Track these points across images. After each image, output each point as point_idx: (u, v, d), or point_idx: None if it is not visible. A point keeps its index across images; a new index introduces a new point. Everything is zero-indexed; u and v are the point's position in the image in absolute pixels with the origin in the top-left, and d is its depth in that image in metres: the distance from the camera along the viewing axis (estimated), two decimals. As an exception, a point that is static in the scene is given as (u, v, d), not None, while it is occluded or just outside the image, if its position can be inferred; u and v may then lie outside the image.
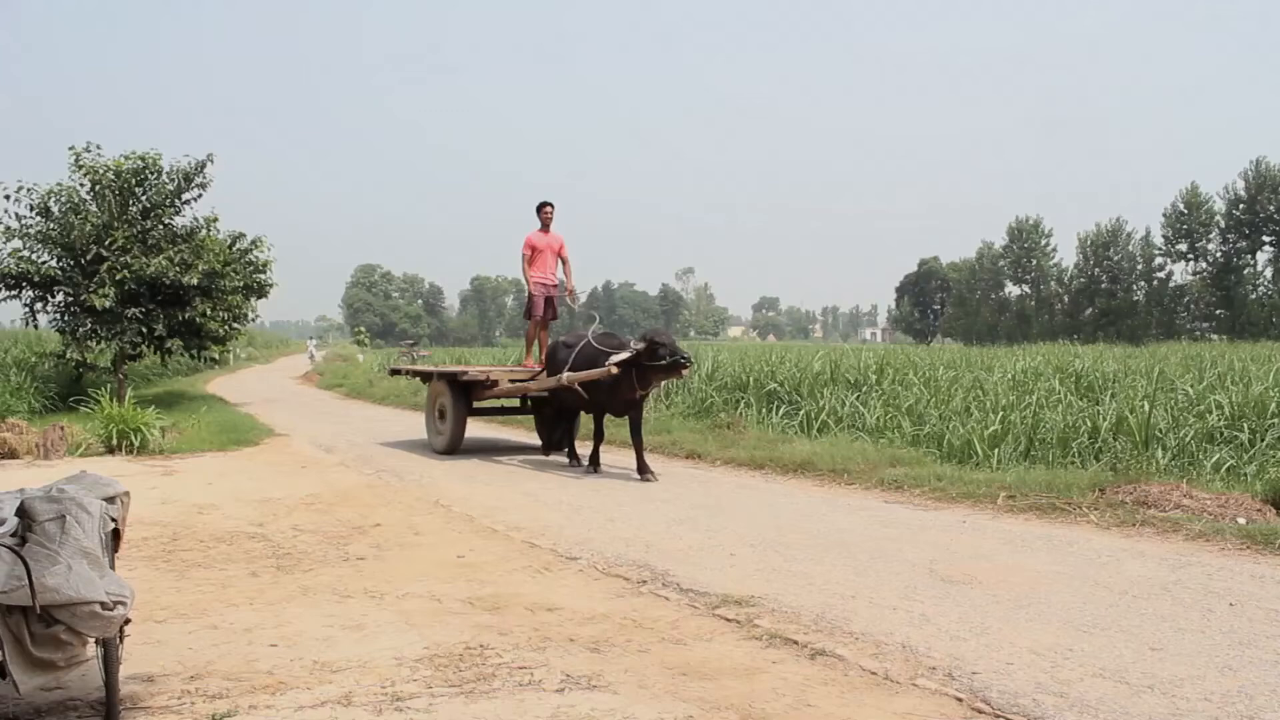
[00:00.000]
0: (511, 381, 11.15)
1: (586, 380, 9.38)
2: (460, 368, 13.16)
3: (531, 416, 12.69)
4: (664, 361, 8.94)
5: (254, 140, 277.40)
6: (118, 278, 16.36)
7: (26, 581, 2.82)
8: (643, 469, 9.26)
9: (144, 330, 17.15)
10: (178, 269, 16.66)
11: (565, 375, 9.60)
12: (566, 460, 10.64)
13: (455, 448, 11.42)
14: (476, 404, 11.61)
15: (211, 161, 17.92)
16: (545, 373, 10.64)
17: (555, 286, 12.04)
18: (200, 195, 18.03)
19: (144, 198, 17.55)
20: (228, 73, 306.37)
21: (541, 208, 11.79)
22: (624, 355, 9.05)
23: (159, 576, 5.50)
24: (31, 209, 16.85)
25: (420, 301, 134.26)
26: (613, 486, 8.96)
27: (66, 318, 17.26)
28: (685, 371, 9.43)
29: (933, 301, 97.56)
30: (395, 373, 16.27)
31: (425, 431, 12.33)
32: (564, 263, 12.08)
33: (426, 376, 13.13)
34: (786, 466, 9.69)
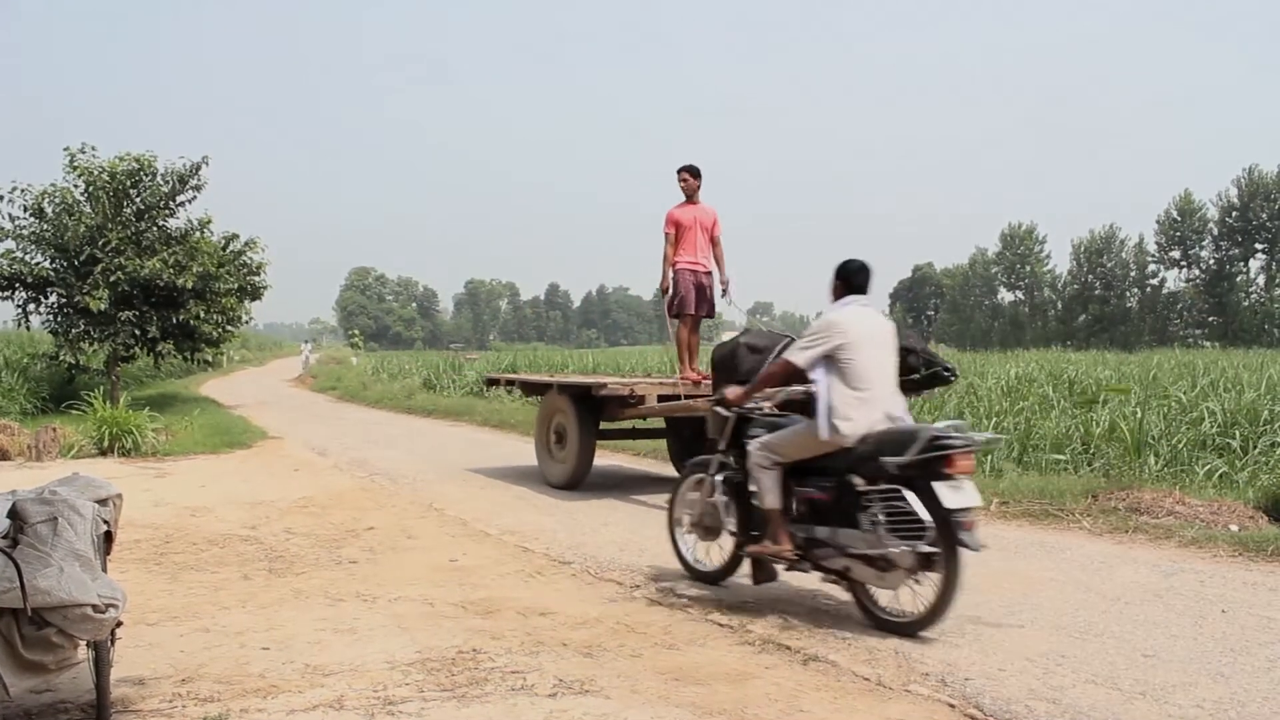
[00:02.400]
0: (662, 399, 8.47)
1: (794, 397, 5.60)
2: (593, 378, 10.06)
3: (629, 441, 10.55)
4: (917, 375, 5.73)
5: (248, 142, 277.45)
6: (111, 279, 16.33)
7: (18, 583, 2.81)
8: None
9: (137, 332, 17.12)
10: (172, 271, 16.63)
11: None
12: None
13: (580, 480, 8.95)
14: (604, 425, 9.26)
15: (206, 163, 17.92)
16: (713, 385, 7.53)
17: (708, 274, 9.19)
18: (195, 197, 18.03)
19: (138, 199, 17.52)
20: (224, 73, 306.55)
21: (679, 174, 9.13)
22: None
23: (151, 579, 5.48)
24: (25, 210, 16.82)
25: (414, 304, 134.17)
26: (608, 492, 8.95)
27: (59, 319, 17.23)
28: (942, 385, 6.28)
29: (926, 307, 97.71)
30: (492, 383, 12.18)
31: (536, 457, 9.68)
32: (715, 244, 9.24)
33: (536, 389, 10.58)
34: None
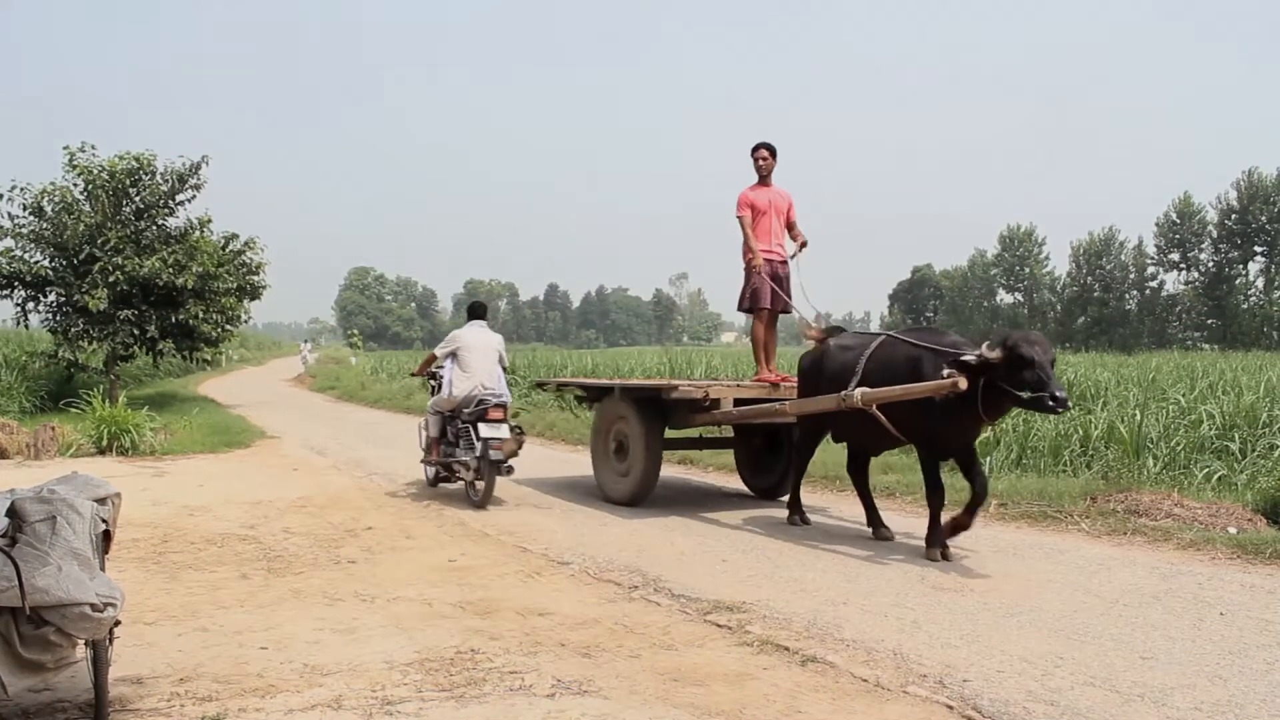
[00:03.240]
0: (739, 403, 7.54)
1: (901, 400, 5.97)
2: (660, 381, 9.29)
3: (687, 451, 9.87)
4: (1026, 394, 5.45)
5: (248, 141, 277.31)
6: (110, 279, 16.33)
7: (16, 582, 2.81)
8: (941, 541, 6.03)
9: (136, 331, 17.13)
10: (171, 270, 16.64)
11: (860, 392, 6.16)
12: (788, 516, 7.35)
13: (645, 495, 8.01)
14: (670, 433, 8.36)
15: (206, 163, 17.95)
16: (800, 390, 7.31)
17: (784, 263, 8.29)
18: (194, 197, 18.06)
19: (137, 198, 17.55)
20: (223, 73, 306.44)
21: (755, 152, 8.25)
22: (969, 357, 5.68)
23: (149, 578, 5.48)
24: (24, 208, 16.85)
25: (413, 305, 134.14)
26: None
27: (58, 318, 17.24)
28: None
29: (925, 309, 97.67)
30: (542, 386, 11.12)
31: (593, 471, 8.73)
32: (790, 230, 8.34)
33: (594, 393, 9.37)
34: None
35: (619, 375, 17.60)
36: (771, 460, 8.56)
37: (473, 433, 8.07)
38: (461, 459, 8.16)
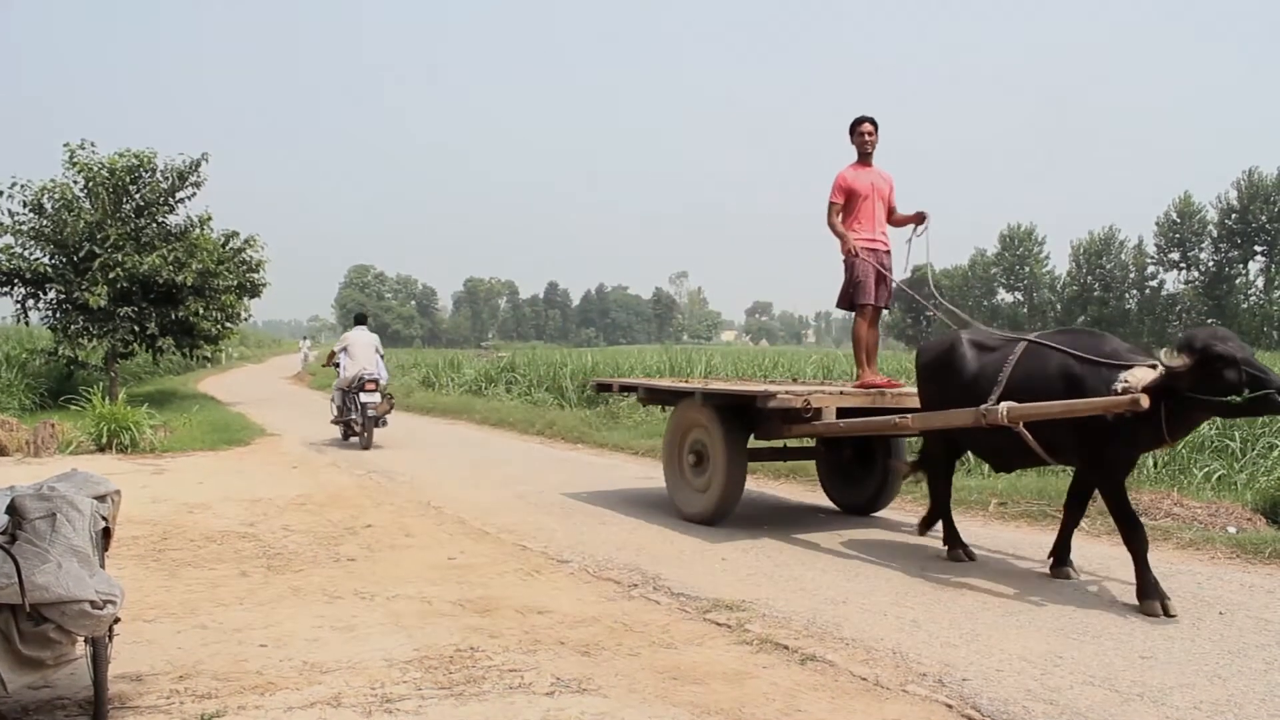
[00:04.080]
0: (843, 414, 6.68)
1: (1061, 417, 5.08)
2: (751, 386, 7.85)
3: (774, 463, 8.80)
4: (1237, 398, 4.54)
5: (248, 138, 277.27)
6: (110, 276, 16.32)
7: (16, 579, 2.81)
8: (1158, 590, 4.83)
9: (136, 328, 17.12)
10: (171, 267, 16.62)
11: (1006, 407, 5.23)
12: (947, 552, 6.12)
13: (726, 513, 7.15)
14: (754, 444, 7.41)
15: (206, 160, 17.93)
16: (921, 392, 6.39)
17: (889, 253, 7.47)
18: (194, 194, 18.04)
19: (138, 196, 17.53)
20: (223, 71, 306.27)
21: (858, 127, 7.32)
22: (1151, 374, 4.80)
23: (149, 575, 5.48)
24: (24, 205, 16.81)
25: (413, 303, 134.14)
26: (607, 490, 8.95)
27: (58, 315, 17.22)
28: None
29: (925, 308, 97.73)
30: (604, 388, 9.36)
31: (666, 485, 7.82)
32: (890, 216, 7.49)
33: (668, 397, 8.43)
34: (780, 472, 9.69)
35: (619, 374, 17.56)
36: (862, 472, 7.64)
37: (358, 400, 12.19)
38: (354, 418, 12.36)
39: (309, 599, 5.01)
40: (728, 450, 6.95)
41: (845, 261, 7.28)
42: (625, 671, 3.90)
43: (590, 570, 5.74)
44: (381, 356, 12.76)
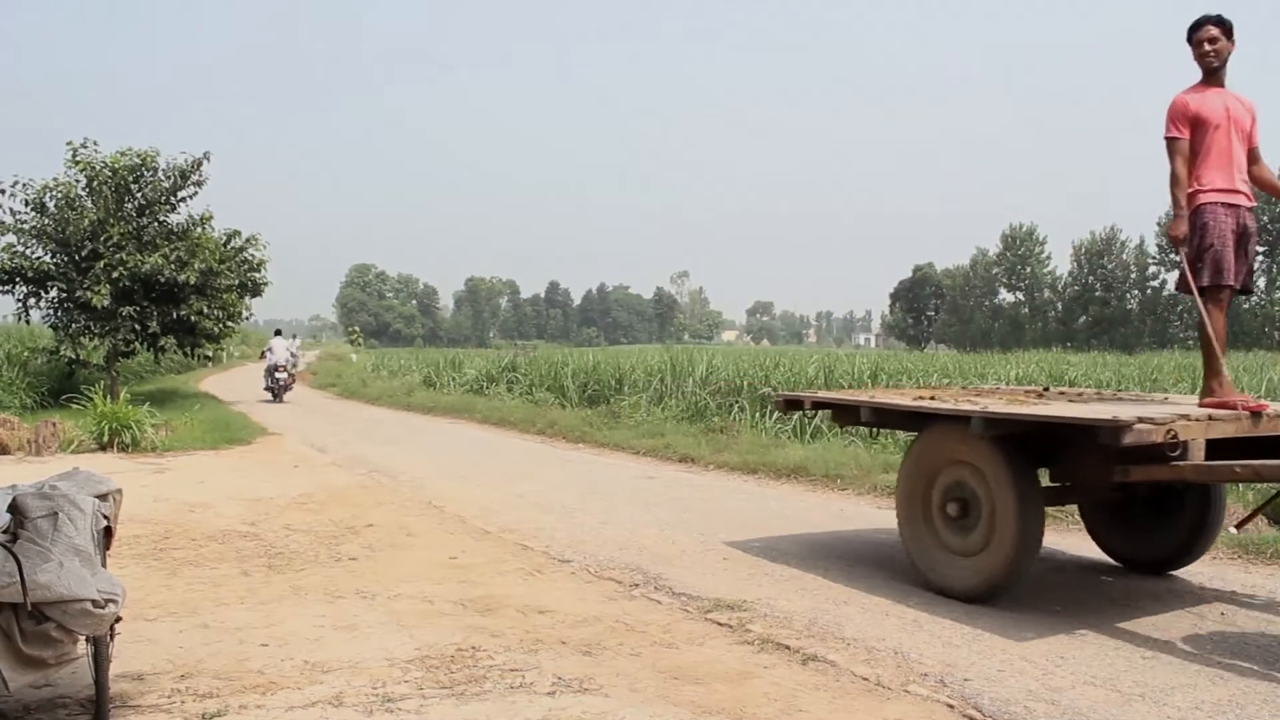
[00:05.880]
0: (1211, 446, 4.53)
1: None
2: (1086, 411, 4.71)
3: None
4: None
5: (249, 137, 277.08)
6: (113, 275, 16.34)
7: (18, 578, 2.81)
8: None
9: (138, 327, 17.14)
10: (173, 266, 16.64)
11: None
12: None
13: (1011, 583, 4.91)
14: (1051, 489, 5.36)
15: (208, 159, 17.94)
16: None
17: (1251, 210, 5.12)
18: (196, 193, 18.06)
19: (140, 194, 17.55)
20: (224, 70, 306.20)
21: (1199, 32, 5.16)
22: None
23: (150, 574, 5.48)
24: (26, 204, 16.84)
25: (414, 302, 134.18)
26: (607, 490, 8.95)
27: (60, 314, 17.26)
28: None
29: (927, 308, 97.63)
30: (793, 405, 6.57)
31: (904, 542, 5.50)
32: (1253, 159, 5.22)
33: (894, 420, 5.94)
34: (780, 471, 9.69)
35: (619, 372, 17.50)
36: (1156, 519, 5.59)
37: (274, 375, 21.24)
38: (272, 388, 21.25)
39: (310, 598, 5.01)
40: (1018, 499, 4.75)
41: (1192, 225, 5.00)
42: (626, 671, 3.90)
43: (592, 570, 5.73)
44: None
